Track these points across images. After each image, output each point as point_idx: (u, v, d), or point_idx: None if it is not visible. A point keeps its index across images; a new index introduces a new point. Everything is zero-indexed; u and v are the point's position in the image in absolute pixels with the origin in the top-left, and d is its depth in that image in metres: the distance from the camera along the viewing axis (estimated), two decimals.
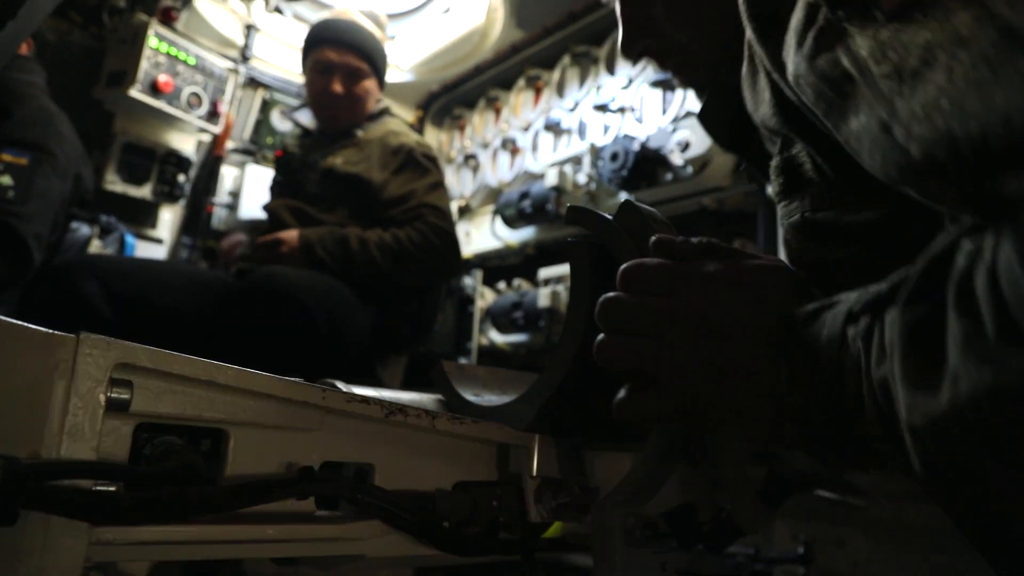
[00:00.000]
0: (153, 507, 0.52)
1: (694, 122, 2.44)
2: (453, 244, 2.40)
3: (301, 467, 0.64)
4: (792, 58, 0.61)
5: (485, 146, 3.61)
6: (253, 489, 0.59)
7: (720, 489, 1.06)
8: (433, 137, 3.99)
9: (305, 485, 0.63)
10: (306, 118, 2.73)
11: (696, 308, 0.64)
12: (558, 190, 2.88)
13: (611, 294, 0.68)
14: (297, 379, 0.64)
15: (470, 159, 3.69)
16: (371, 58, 2.57)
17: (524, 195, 3.03)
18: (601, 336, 0.68)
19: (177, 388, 0.58)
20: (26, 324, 0.50)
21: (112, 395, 0.53)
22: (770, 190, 0.86)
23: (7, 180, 1.93)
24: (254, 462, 0.65)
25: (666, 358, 0.64)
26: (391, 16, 3.45)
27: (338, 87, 2.51)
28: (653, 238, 0.71)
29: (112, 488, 0.53)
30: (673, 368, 0.64)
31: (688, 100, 2.67)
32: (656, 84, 2.79)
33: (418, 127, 3.96)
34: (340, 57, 2.51)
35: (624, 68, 2.97)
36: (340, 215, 2.43)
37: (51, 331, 0.51)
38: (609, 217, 0.81)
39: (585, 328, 0.77)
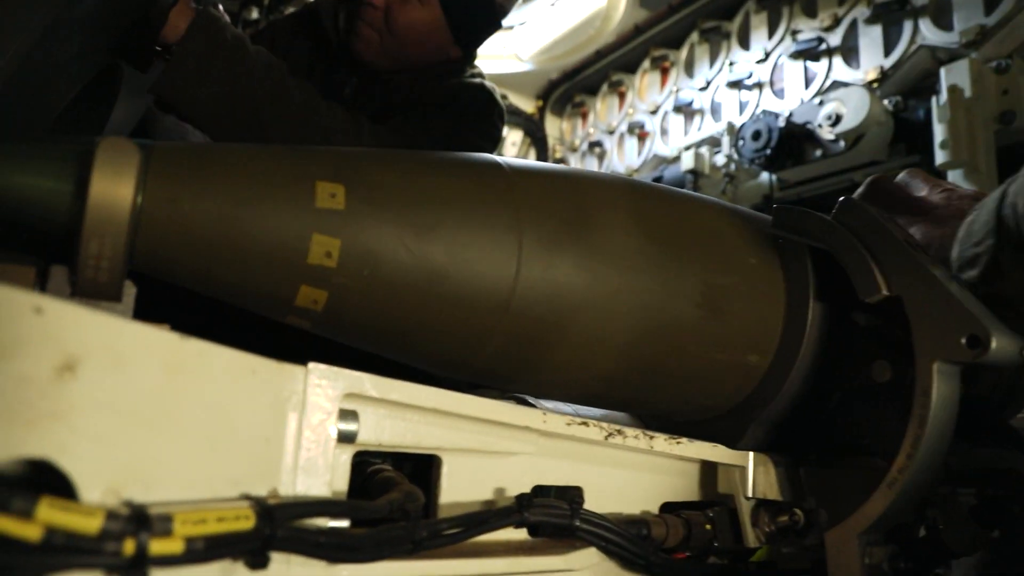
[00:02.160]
0: (387, 544, 0.50)
1: (844, 94, 2.28)
2: None
3: (517, 495, 0.61)
4: None
5: (610, 132, 3.53)
6: (475, 521, 0.56)
7: (929, 507, 0.96)
8: (554, 126, 3.94)
9: (524, 514, 0.59)
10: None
11: None
12: (695, 173, 2.77)
13: None
14: (521, 400, 0.60)
15: (595, 146, 3.62)
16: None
17: (658, 180, 2.93)
18: None
19: (398, 415, 0.55)
20: (257, 356, 0.48)
21: (341, 427, 0.51)
22: None
23: None
24: (465, 488, 0.62)
25: None
26: None
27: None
28: None
29: (345, 524, 0.51)
30: None
31: (835, 70, 2.50)
32: (797, 55, 2.64)
33: (538, 117, 3.92)
34: None
35: (759, 41, 2.82)
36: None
37: (281, 362, 0.49)
38: (828, 218, 0.71)
39: (803, 340, 0.70)
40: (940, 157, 1.98)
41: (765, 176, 2.59)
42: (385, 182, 0.59)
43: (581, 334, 0.63)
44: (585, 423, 0.64)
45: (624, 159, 3.41)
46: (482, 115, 1.63)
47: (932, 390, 0.62)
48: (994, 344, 0.59)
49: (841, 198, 0.72)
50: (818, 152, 2.39)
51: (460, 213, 0.60)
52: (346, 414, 0.52)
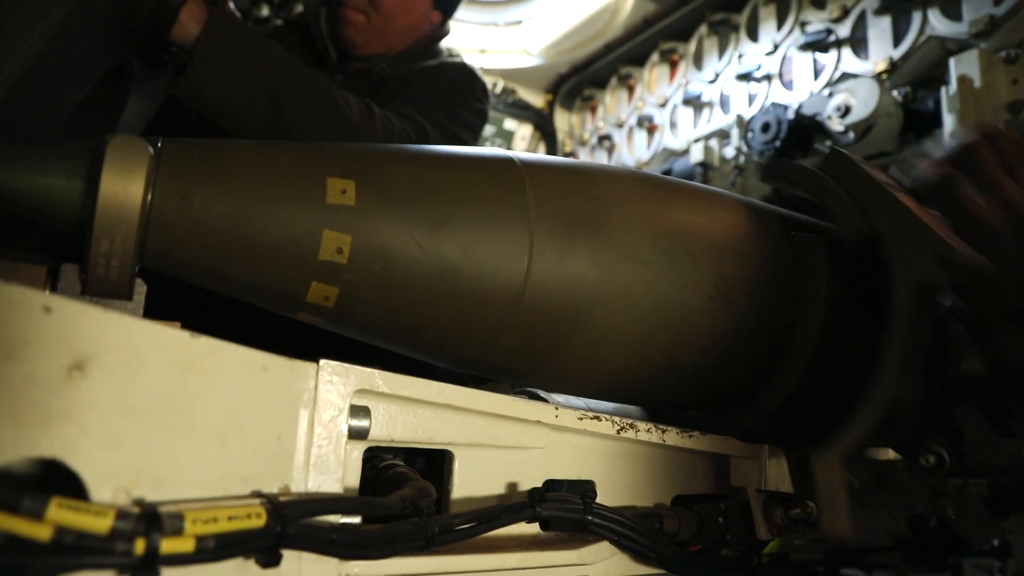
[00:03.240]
0: (400, 540, 0.50)
1: (853, 85, 2.26)
2: None
3: (529, 490, 0.61)
4: None
5: (620, 126, 3.52)
6: (488, 516, 0.56)
7: (942, 497, 0.96)
8: (563, 120, 3.92)
9: (536, 509, 0.59)
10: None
11: None
12: (704, 166, 2.75)
13: None
14: (528, 397, 0.60)
15: (604, 140, 3.60)
16: None
17: (667, 173, 2.92)
18: None
19: (409, 411, 0.55)
20: (269, 354, 0.48)
21: (353, 423, 0.51)
22: None
23: None
24: (477, 483, 0.62)
25: None
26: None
27: None
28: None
29: (357, 520, 0.51)
30: None
31: (844, 61, 2.48)
32: (805, 47, 2.62)
33: (548, 111, 3.90)
34: None
35: (768, 33, 2.80)
36: None
37: (292, 359, 0.49)
38: (815, 169, 0.74)
39: (820, 329, 0.69)
40: None
41: None
42: (396, 177, 0.59)
43: (594, 328, 0.63)
44: (597, 417, 0.63)
45: (633, 152, 3.40)
46: (467, 88, 1.68)
47: (908, 311, 0.64)
48: (959, 263, 0.62)
49: (829, 149, 0.77)
50: (827, 143, 2.37)
51: (471, 208, 0.59)
52: (357, 410, 0.52)
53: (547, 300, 0.60)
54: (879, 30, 2.40)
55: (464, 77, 1.70)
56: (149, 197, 0.51)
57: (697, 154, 2.78)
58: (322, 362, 0.50)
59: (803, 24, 2.65)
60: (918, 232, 0.66)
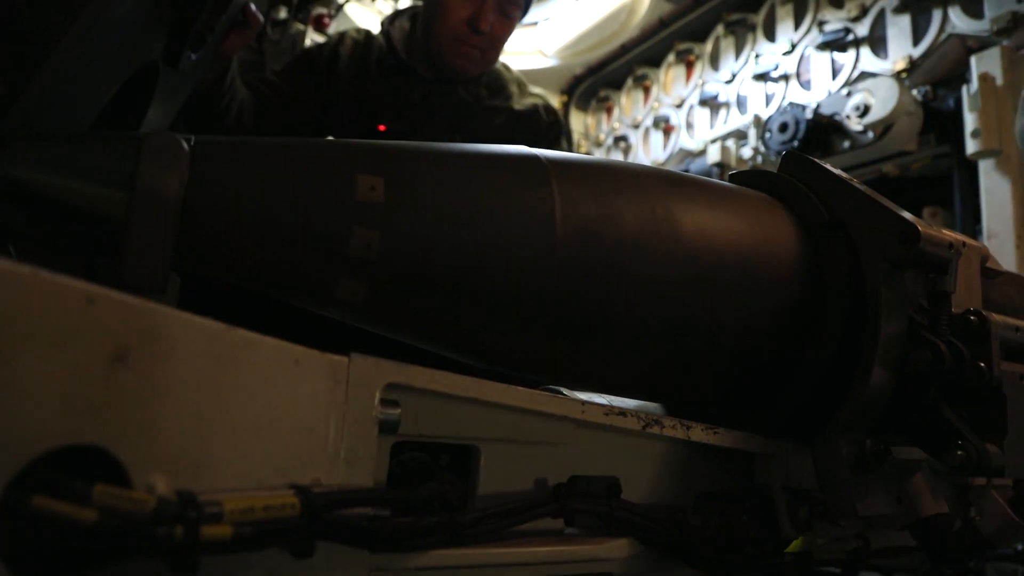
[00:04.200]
0: (429, 533, 0.50)
1: (872, 84, 2.25)
2: None
3: (555, 485, 0.61)
4: None
5: (635, 126, 3.52)
6: (515, 510, 0.56)
7: (968, 497, 0.95)
8: (579, 121, 3.93)
9: (562, 503, 0.59)
10: (401, 43, 1.84)
11: None
12: (721, 166, 2.75)
13: None
14: (555, 392, 0.61)
15: (620, 141, 3.61)
16: (526, 5, 1.82)
17: None
18: None
19: (438, 406, 0.56)
20: (301, 347, 0.49)
21: (383, 417, 0.51)
22: None
23: None
24: (503, 478, 0.62)
25: None
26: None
27: (489, 20, 1.71)
28: None
29: (386, 513, 0.52)
30: None
31: (863, 60, 2.48)
32: (823, 47, 2.61)
33: (563, 112, 3.91)
34: None
35: (786, 33, 2.79)
36: None
37: (324, 354, 0.50)
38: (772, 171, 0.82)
39: (844, 324, 0.69)
40: (971, 147, 1.96)
41: None
42: (424, 174, 0.59)
43: (619, 324, 0.63)
44: (623, 413, 0.64)
45: (649, 153, 3.40)
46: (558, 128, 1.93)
47: (880, 287, 0.68)
48: (922, 235, 0.67)
49: (785, 152, 0.84)
50: (846, 143, 2.36)
51: (498, 204, 0.60)
52: (388, 404, 0.52)
53: (573, 296, 0.61)
54: (898, 28, 2.39)
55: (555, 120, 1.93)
56: (184, 193, 0.52)
57: (714, 155, 2.78)
58: (353, 356, 0.51)
59: (821, 23, 2.64)
60: (880, 213, 0.70)
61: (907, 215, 0.69)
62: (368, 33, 1.90)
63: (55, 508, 0.34)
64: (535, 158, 0.64)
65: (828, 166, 0.78)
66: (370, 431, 0.51)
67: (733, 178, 0.86)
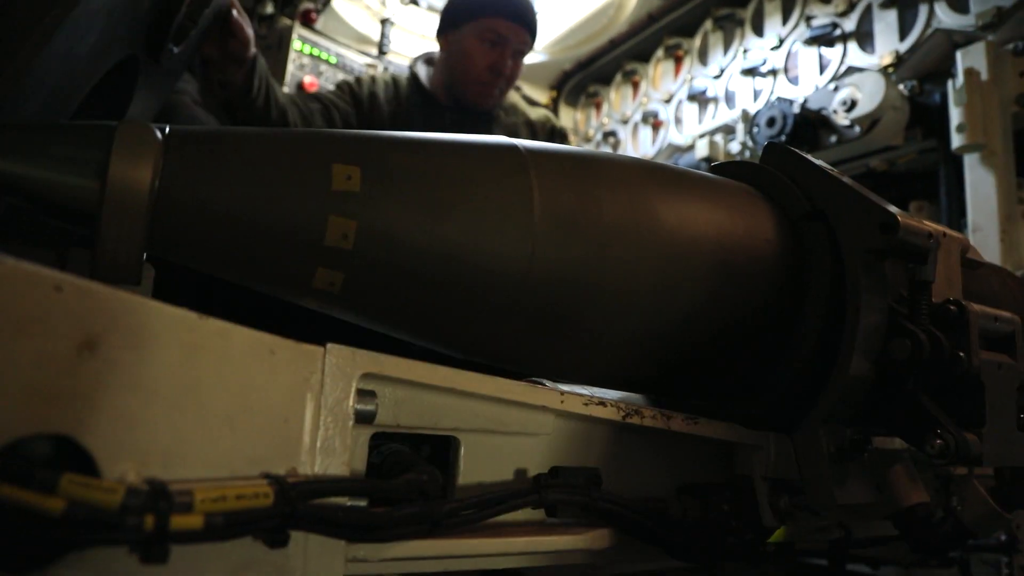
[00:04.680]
0: (407, 523, 0.50)
1: (859, 79, 2.26)
2: None
3: (534, 475, 0.61)
4: None
5: (624, 122, 3.52)
6: (494, 500, 0.56)
7: (949, 487, 0.95)
8: (568, 116, 3.93)
9: (542, 494, 0.59)
10: (426, 79, 2.29)
11: None
12: (709, 161, 2.75)
13: None
14: (536, 382, 0.60)
15: (609, 136, 3.61)
16: (534, 39, 2.28)
17: None
18: None
19: (415, 396, 0.56)
20: (276, 336, 0.48)
21: (359, 407, 0.51)
22: None
23: None
24: (483, 469, 0.62)
25: None
26: None
27: (508, 64, 2.17)
28: None
29: (363, 504, 0.51)
30: None
31: (850, 55, 2.48)
32: (811, 41, 2.61)
33: (552, 108, 3.91)
34: (514, 32, 2.16)
35: (773, 28, 2.79)
36: None
37: (299, 343, 0.49)
38: (754, 162, 0.82)
39: (825, 315, 0.69)
40: (956, 141, 1.97)
41: None
42: (400, 164, 0.59)
43: (598, 314, 0.63)
44: (603, 403, 0.64)
45: (639, 148, 3.40)
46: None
47: (860, 277, 0.69)
48: (902, 225, 0.67)
49: (767, 143, 0.84)
50: (833, 138, 2.37)
51: (476, 193, 0.59)
52: (364, 394, 0.52)
53: (551, 286, 0.61)
54: (885, 23, 2.39)
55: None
56: (157, 182, 0.52)
57: (702, 149, 2.78)
58: (329, 346, 0.50)
59: (808, 18, 2.65)
60: (861, 203, 0.70)
61: (889, 207, 0.70)
62: (395, 76, 2.30)
63: (20, 497, 0.33)
64: (513, 147, 0.64)
65: (809, 157, 0.78)
66: (346, 421, 0.50)
67: (715, 169, 0.86)
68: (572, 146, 0.74)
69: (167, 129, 0.55)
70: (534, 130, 2.33)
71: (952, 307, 0.69)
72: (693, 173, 0.76)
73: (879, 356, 0.68)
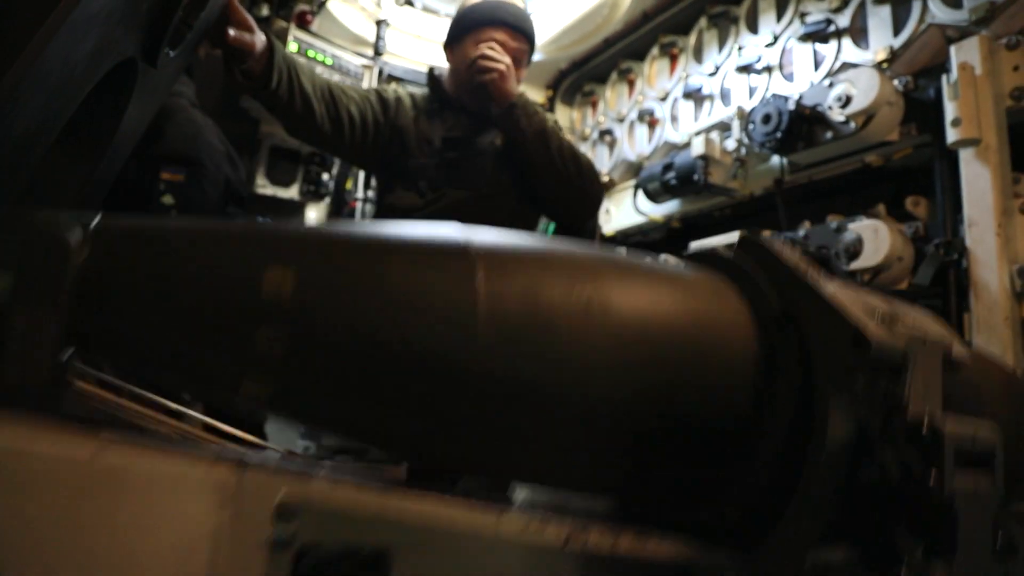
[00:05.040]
0: None
1: (854, 75, 2.21)
2: (600, 188, 2.47)
3: None
4: None
5: (620, 120, 3.48)
6: None
7: None
8: (564, 115, 3.89)
9: None
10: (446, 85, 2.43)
11: None
12: (705, 159, 2.71)
13: None
14: (467, 499, 0.58)
15: (605, 135, 3.57)
16: (532, 48, 2.40)
17: (668, 167, 2.87)
18: None
19: (341, 516, 0.53)
20: (190, 457, 0.47)
21: (275, 536, 0.49)
22: None
23: (169, 199, 2.06)
24: None
25: None
26: None
27: (487, 43, 2.26)
28: None
29: None
30: None
31: (844, 51, 2.43)
32: (806, 38, 2.56)
33: (548, 107, 3.87)
34: (513, 41, 2.29)
35: (768, 24, 2.74)
36: (511, 198, 2.31)
37: (214, 462, 0.48)
38: (729, 254, 0.76)
39: (787, 435, 0.66)
40: (951, 136, 1.93)
41: (776, 160, 2.53)
42: (339, 268, 0.57)
43: (548, 423, 0.60)
44: (545, 524, 0.60)
45: (635, 146, 3.36)
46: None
47: (828, 394, 0.63)
48: (874, 342, 0.62)
49: (740, 235, 0.78)
50: (828, 134, 2.32)
51: (416, 304, 0.57)
52: (284, 516, 0.50)
53: (496, 397, 0.58)
54: (879, 19, 2.34)
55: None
56: (77, 279, 0.50)
57: (698, 147, 2.74)
58: (248, 470, 0.49)
59: (803, 15, 2.60)
60: (832, 316, 0.65)
61: (855, 317, 0.64)
62: (411, 92, 2.44)
63: None
64: (463, 249, 0.62)
65: (783, 253, 0.73)
66: (260, 551, 0.49)
67: (689, 258, 0.81)
68: (537, 236, 0.71)
69: (97, 219, 0.53)
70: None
71: (925, 432, 0.64)
72: (662, 268, 0.73)
73: (846, 479, 0.63)
